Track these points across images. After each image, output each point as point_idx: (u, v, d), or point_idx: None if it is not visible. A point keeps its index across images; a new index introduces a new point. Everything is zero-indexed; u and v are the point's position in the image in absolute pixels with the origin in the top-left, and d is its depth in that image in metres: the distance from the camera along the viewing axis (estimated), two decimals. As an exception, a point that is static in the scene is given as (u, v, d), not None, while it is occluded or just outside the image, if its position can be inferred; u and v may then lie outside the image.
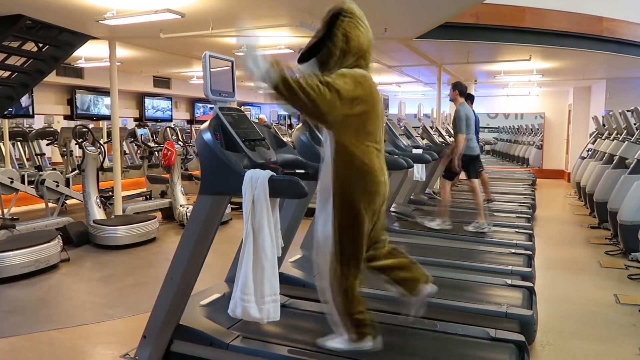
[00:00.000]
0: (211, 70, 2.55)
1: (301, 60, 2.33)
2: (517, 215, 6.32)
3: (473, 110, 6.02)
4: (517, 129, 16.08)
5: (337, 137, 2.30)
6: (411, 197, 6.84)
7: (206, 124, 2.43)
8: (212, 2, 4.45)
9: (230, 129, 2.48)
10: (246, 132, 2.57)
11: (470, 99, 6.93)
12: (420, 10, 5.09)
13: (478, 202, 5.43)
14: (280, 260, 3.46)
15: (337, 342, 2.43)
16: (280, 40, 6.24)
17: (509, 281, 3.42)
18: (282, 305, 2.89)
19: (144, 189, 8.53)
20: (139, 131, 10.37)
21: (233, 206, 6.94)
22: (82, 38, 5.94)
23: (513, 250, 4.42)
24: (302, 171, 2.81)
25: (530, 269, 3.82)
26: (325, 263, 2.39)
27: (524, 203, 7.31)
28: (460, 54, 7.64)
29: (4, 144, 9.52)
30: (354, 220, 2.33)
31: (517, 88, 12.54)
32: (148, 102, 11.66)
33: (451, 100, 5.79)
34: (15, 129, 10.52)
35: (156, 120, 12.07)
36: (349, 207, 2.33)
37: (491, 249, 4.58)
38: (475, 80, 11.04)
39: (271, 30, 5.58)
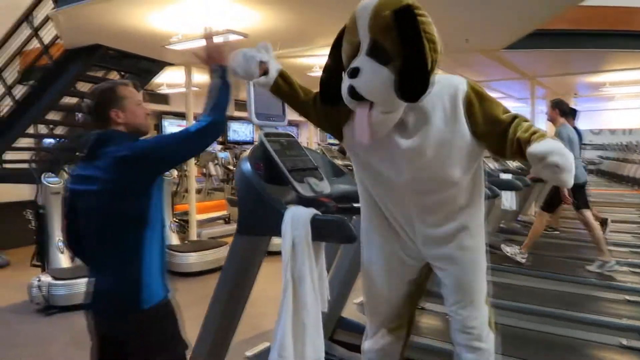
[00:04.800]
0: (256, 91, 2.29)
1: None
2: (631, 249, 5.38)
3: (576, 128, 5.26)
4: (626, 145, 14.36)
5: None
6: (501, 225, 6.13)
7: (247, 152, 2.15)
8: (276, 21, 4.28)
9: (276, 157, 2.17)
10: (295, 161, 2.25)
11: (573, 114, 6.09)
12: (505, 17, 4.53)
13: (596, 236, 4.62)
14: (342, 301, 3.10)
15: None
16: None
17: (624, 341, 2.74)
18: (339, 361, 2.51)
19: (225, 212, 8.59)
20: (220, 154, 10.56)
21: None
22: (159, 65, 6.07)
23: (627, 297, 3.65)
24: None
25: (652, 324, 3.08)
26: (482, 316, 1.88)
27: (638, 234, 6.27)
28: (557, 64, 6.86)
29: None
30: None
31: (626, 100, 11.19)
32: (230, 125, 11.92)
33: (550, 120, 5.06)
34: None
35: (238, 143, 12.30)
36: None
37: (598, 293, 3.82)
38: (575, 94, 9.99)
39: (343, 48, 5.29)
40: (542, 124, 9.17)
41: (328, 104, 1.72)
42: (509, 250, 4.91)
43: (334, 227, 1.78)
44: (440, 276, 1.87)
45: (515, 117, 1.58)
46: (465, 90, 1.61)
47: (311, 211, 1.83)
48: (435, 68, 1.51)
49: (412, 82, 1.46)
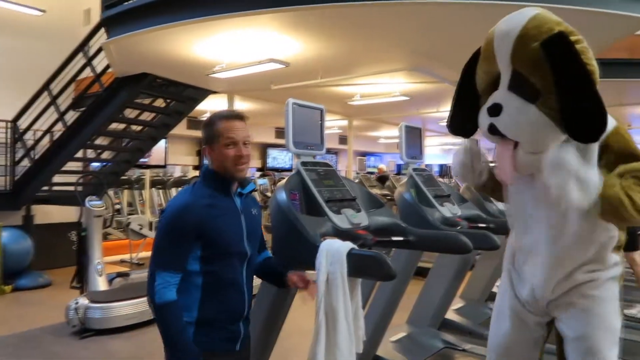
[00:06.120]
0: (295, 119, 2.24)
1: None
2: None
3: None
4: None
5: None
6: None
7: (283, 181, 2.09)
8: (318, 50, 4.28)
9: (312, 187, 2.11)
10: (332, 191, 2.18)
11: None
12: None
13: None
14: (378, 339, 2.95)
15: None
16: (395, 87, 5.89)
17: None
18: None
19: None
20: (259, 181, 10.64)
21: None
22: (203, 93, 6.22)
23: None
24: (401, 238, 2.30)
25: None
26: None
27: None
28: (611, 94, 6.55)
29: (145, 192, 10.42)
30: None
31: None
32: (270, 152, 12.03)
33: None
34: (155, 178, 11.55)
35: (277, 170, 12.37)
36: None
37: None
38: (629, 125, 9.52)
39: (384, 77, 5.25)
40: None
41: (459, 135, 1.56)
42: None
43: (372, 263, 1.68)
44: (563, 332, 1.57)
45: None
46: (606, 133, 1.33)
47: (347, 245, 1.73)
48: None
49: (586, 120, 1.24)
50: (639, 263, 4.26)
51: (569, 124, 1.25)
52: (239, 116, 1.59)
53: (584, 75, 1.21)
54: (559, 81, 1.23)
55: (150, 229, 7.02)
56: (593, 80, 1.22)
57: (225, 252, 1.54)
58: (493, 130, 1.33)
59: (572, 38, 1.23)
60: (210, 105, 7.56)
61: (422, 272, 3.58)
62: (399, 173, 11.66)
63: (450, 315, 3.72)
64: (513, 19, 1.28)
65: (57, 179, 6.37)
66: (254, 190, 1.68)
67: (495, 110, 1.31)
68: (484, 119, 1.36)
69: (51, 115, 5.95)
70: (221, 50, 4.45)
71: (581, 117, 1.24)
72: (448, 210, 2.74)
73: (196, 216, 1.49)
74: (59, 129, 5.97)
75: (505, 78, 1.30)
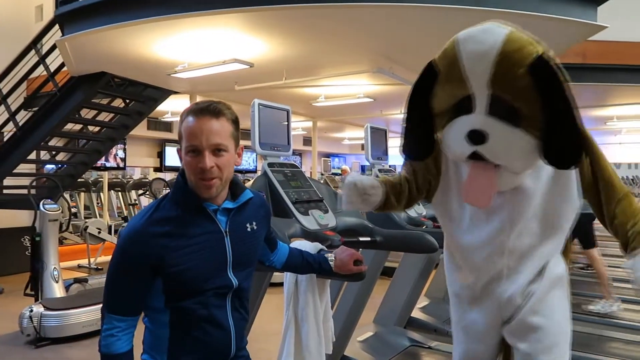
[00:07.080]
0: (261, 120, 2.23)
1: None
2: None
3: None
4: (632, 180, 14.24)
5: None
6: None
7: (249, 183, 2.07)
8: (282, 51, 4.26)
9: (280, 188, 2.09)
10: (299, 192, 2.17)
11: None
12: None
13: (601, 272, 4.36)
14: (345, 339, 2.95)
15: None
16: (359, 89, 5.93)
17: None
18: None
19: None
20: (223, 183, 10.52)
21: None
22: (164, 93, 6.07)
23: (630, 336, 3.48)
24: (368, 239, 2.31)
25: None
26: None
27: None
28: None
29: (103, 194, 10.09)
30: None
31: (632, 135, 11.16)
32: (234, 154, 11.90)
33: None
34: (114, 180, 11.21)
35: (241, 171, 12.24)
36: None
37: (614, 334, 3.65)
38: (582, 127, 9.94)
39: (348, 78, 5.28)
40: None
41: (416, 160, 1.49)
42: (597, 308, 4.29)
43: (341, 264, 1.66)
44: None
45: (626, 194, 1.35)
46: None
47: (316, 246, 1.72)
48: None
49: (565, 149, 1.19)
50: (598, 259, 4.39)
51: (549, 150, 1.20)
52: (212, 111, 1.17)
53: (570, 106, 1.15)
54: (547, 109, 1.16)
55: (110, 232, 6.82)
56: (573, 111, 1.15)
57: (194, 289, 1.20)
58: (475, 157, 1.25)
59: (554, 61, 1.15)
60: (172, 106, 7.42)
61: (388, 272, 3.62)
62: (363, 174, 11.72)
63: (416, 313, 3.78)
64: (485, 39, 1.15)
65: (8, 182, 6.08)
66: (248, 200, 1.32)
67: (480, 138, 1.21)
68: (461, 146, 1.25)
69: (1, 115, 5.68)
70: (183, 49, 4.36)
71: (563, 146, 1.20)
72: (413, 209, 2.79)
73: (148, 250, 1.15)
74: (9, 129, 5.70)
75: (482, 102, 1.20)
